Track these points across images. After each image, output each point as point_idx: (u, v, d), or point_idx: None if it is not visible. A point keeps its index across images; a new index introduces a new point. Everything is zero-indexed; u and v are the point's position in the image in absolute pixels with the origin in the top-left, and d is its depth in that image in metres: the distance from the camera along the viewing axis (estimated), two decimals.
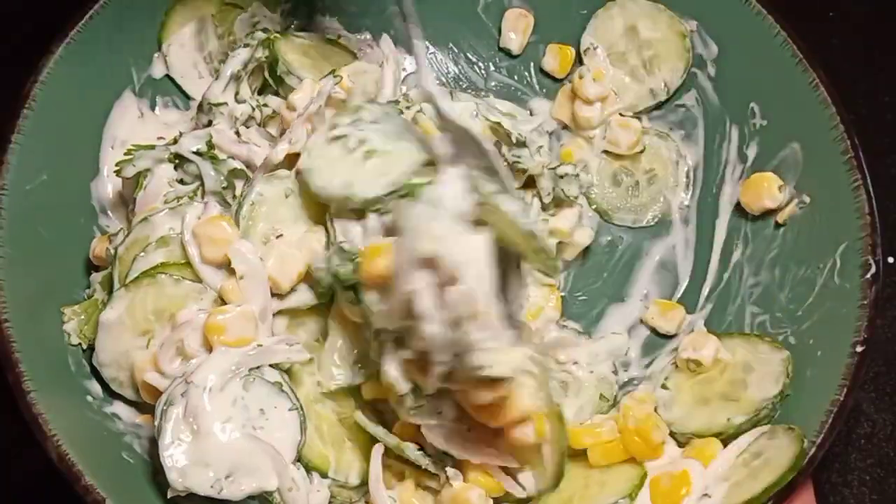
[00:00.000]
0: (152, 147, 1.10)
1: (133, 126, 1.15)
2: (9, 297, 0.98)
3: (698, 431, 1.05)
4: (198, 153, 1.08)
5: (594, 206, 1.25)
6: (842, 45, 1.37)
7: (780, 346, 1.07)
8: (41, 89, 1.07)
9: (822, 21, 1.46)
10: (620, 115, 1.24)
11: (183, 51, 1.20)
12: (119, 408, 1.05)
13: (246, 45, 1.16)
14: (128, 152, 1.11)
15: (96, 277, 1.09)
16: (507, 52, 1.31)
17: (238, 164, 1.09)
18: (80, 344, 1.05)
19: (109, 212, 1.14)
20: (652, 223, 1.24)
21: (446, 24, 1.29)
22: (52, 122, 1.08)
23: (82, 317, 1.06)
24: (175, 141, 1.09)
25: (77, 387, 1.03)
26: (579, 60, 1.27)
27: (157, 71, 1.20)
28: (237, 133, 1.12)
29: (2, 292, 0.98)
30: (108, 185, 1.14)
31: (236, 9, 1.20)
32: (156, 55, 1.20)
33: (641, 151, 1.24)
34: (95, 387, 1.04)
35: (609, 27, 1.24)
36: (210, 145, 1.09)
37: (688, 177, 1.24)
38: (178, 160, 1.08)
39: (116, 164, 1.10)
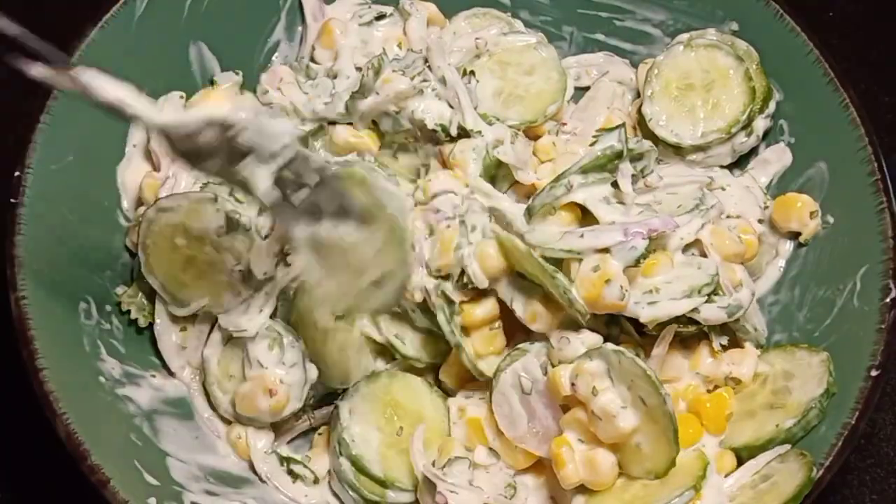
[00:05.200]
0: None
1: None
2: (27, 275, 0.99)
3: (749, 443, 1.01)
4: None
5: None
6: (841, 45, 1.35)
7: (818, 349, 1.05)
8: None
9: (822, 21, 1.45)
10: None
11: None
12: (131, 390, 1.06)
13: None
14: None
15: None
16: None
17: None
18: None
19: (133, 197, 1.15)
20: None
21: None
22: (82, 103, 1.08)
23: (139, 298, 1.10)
24: None
25: (90, 367, 1.03)
26: None
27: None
28: None
29: (22, 269, 0.99)
30: (133, 170, 1.15)
31: None
32: None
33: None
34: (109, 368, 1.05)
35: None
36: None
37: None
38: None
39: None
